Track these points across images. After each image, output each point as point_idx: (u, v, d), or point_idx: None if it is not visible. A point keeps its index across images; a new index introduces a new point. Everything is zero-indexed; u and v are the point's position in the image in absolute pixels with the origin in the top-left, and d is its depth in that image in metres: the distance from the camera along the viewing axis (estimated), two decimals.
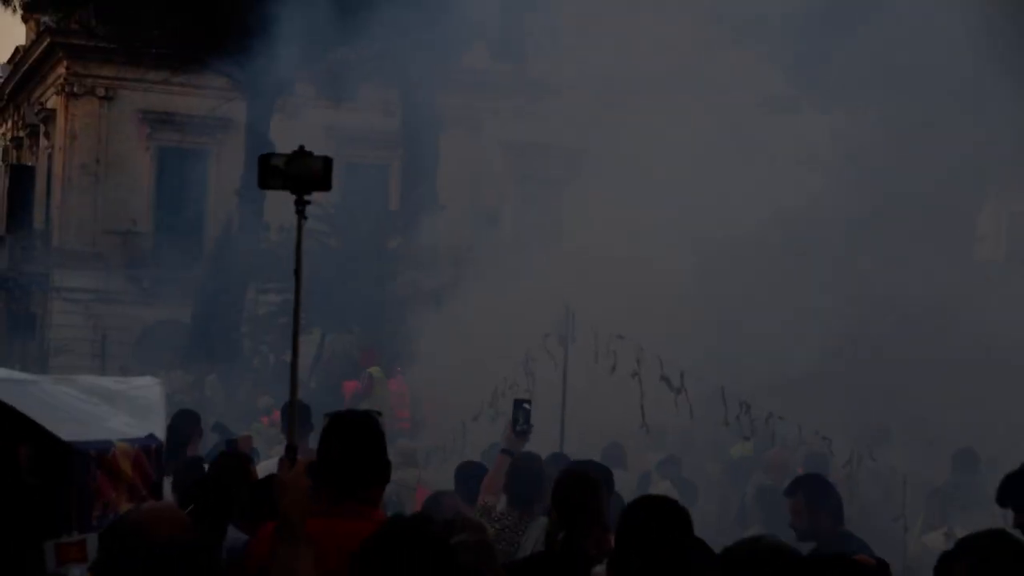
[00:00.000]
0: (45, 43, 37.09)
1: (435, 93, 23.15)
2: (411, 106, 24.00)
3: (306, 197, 4.30)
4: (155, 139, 36.51)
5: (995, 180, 18.92)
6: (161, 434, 5.81)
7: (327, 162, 4.27)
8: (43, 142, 39.29)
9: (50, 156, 38.11)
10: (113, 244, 36.29)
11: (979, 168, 16.42)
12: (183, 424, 9.08)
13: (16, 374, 5.91)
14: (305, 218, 4.30)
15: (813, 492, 6.70)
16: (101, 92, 36.08)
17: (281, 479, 4.24)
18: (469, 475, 7.75)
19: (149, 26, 26.72)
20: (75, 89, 36.14)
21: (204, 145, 36.26)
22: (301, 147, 4.27)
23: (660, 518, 4.52)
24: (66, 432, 5.09)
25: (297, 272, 4.30)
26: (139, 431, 5.62)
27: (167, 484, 5.83)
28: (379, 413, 4.94)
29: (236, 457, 7.16)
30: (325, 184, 4.25)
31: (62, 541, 4.98)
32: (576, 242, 14.49)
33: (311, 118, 36.20)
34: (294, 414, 4.59)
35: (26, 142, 41.91)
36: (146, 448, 5.54)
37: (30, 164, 41.05)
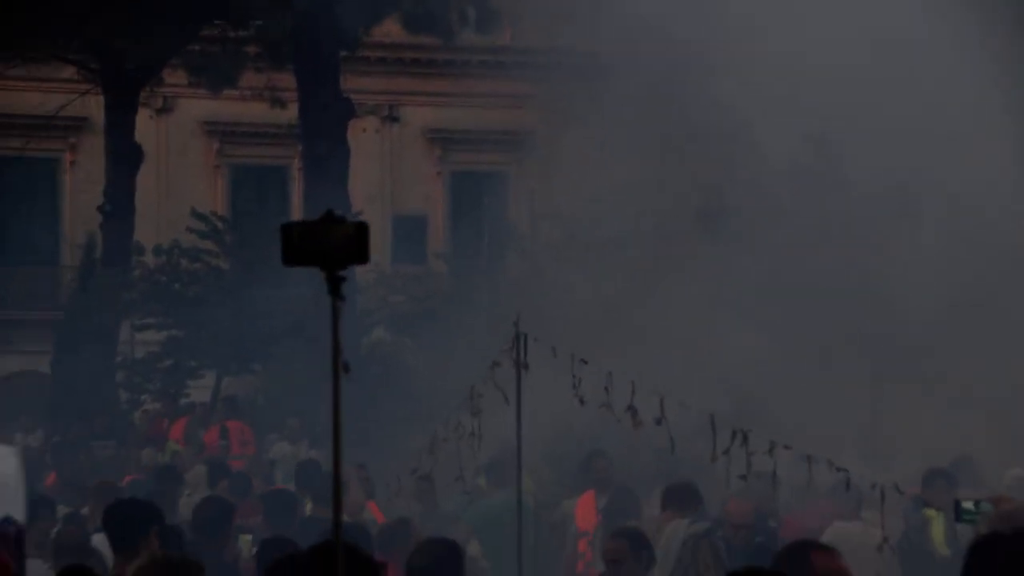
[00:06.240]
0: None
1: (340, 75, 23.12)
2: (309, 92, 23.94)
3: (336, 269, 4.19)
4: None
5: None
6: (20, 514, 5.73)
7: (361, 228, 4.20)
8: None
9: None
10: None
11: None
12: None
13: None
14: (342, 299, 4.23)
15: None
16: None
17: None
18: None
19: None
20: None
21: (54, 152, 35.98)
22: (329, 211, 4.23)
23: None
24: None
25: (335, 366, 4.20)
26: None
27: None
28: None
29: None
30: (361, 256, 4.18)
31: None
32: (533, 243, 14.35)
33: (185, 112, 36.15)
34: (338, 506, 4.36)
35: None
36: (1, 534, 5.45)
37: None
